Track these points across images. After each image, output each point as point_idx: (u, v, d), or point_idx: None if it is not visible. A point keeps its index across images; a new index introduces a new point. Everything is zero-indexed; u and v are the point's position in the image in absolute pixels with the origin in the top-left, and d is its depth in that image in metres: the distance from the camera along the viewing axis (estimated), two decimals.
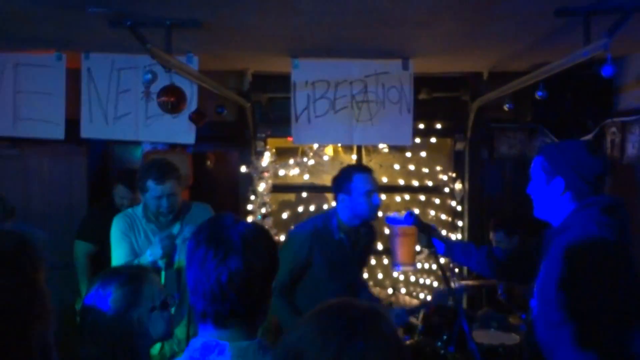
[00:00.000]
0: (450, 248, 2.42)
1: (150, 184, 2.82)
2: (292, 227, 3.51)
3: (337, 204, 2.90)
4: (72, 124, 3.70)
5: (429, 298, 4.74)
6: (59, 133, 3.70)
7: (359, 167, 2.97)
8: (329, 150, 4.81)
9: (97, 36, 3.22)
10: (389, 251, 4.60)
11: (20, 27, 3.09)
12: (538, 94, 3.54)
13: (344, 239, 2.92)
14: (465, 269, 4.58)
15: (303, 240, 2.88)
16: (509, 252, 2.44)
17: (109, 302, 1.66)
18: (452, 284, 2.54)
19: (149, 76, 2.83)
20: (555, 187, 1.99)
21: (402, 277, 4.96)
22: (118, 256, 2.91)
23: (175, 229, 2.92)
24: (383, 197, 4.37)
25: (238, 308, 1.31)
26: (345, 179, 2.85)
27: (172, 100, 2.88)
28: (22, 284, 0.75)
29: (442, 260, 2.49)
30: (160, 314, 1.75)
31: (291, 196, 4.96)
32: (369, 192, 2.80)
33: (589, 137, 4.29)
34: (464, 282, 3.93)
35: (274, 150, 4.61)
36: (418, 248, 2.46)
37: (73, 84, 3.70)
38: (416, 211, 2.70)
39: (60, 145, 4.21)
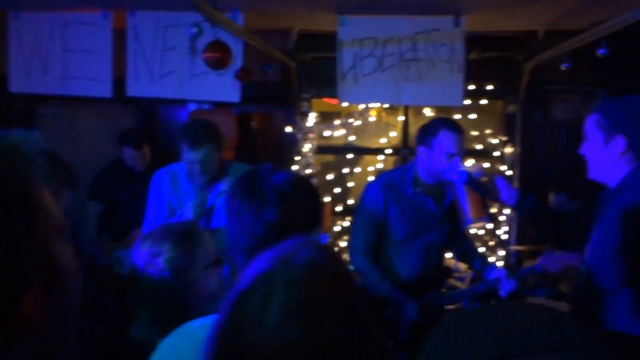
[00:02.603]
0: (522, 202, 2.27)
1: (184, 147, 2.77)
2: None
3: (417, 156, 2.71)
4: (119, 83, 3.73)
5: None
6: (106, 91, 3.73)
7: (449, 124, 2.62)
8: (373, 112, 4.71)
9: None
10: None
11: None
12: (599, 52, 3.34)
13: (420, 193, 2.71)
14: (514, 235, 4.47)
15: (377, 192, 2.72)
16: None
17: (163, 264, 1.61)
18: (508, 249, 2.44)
19: (195, 30, 2.79)
20: (614, 146, 1.86)
21: None
22: (153, 212, 2.93)
23: (216, 189, 2.90)
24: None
25: None
26: (430, 132, 2.61)
27: (217, 55, 2.84)
28: (6, 201, 0.61)
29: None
30: (213, 271, 1.70)
31: (336, 158, 4.91)
32: (451, 154, 2.56)
33: None
34: (514, 248, 3.83)
35: (316, 114, 4.54)
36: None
37: (119, 44, 3.71)
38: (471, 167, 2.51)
39: (108, 105, 4.27)
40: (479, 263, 2.93)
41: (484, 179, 2.37)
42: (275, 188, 1.26)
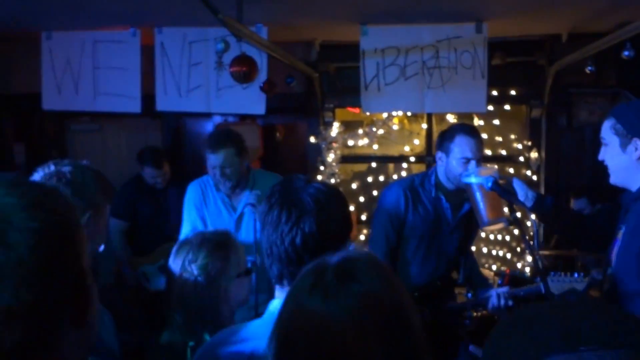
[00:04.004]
0: (540, 203, 2.24)
1: (207, 152, 2.84)
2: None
3: (436, 161, 2.72)
4: (147, 98, 3.83)
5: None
6: (135, 106, 3.82)
7: (466, 129, 2.63)
8: (396, 120, 4.73)
9: (170, 10, 3.29)
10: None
11: (98, 4, 3.19)
12: (624, 54, 3.32)
13: (442, 199, 2.72)
14: (541, 240, 4.44)
15: (399, 193, 2.72)
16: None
17: (198, 270, 1.68)
18: (535, 254, 2.42)
19: (222, 45, 2.86)
20: (632, 150, 1.86)
21: (473, 248, 4.84)
22: (185, 224, 3.01)
23: (244, 198, 2.92)
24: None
25: None
26: (447, 137, 2.62)
27: (244, 69, 2.90)
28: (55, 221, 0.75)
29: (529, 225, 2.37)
30: (244, 280, 1.77)
31: (360, 167, 4.94)
32: (466, 159, 2.55)
33: None
34: (541, 253, 3.81)
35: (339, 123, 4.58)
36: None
37: (147, 60, 3.81)
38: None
39: (136, 119, 4.37)
40: (480, 282, 2.99)
41: (501, 181, 2.37)
42: (313, 199, 1.29)
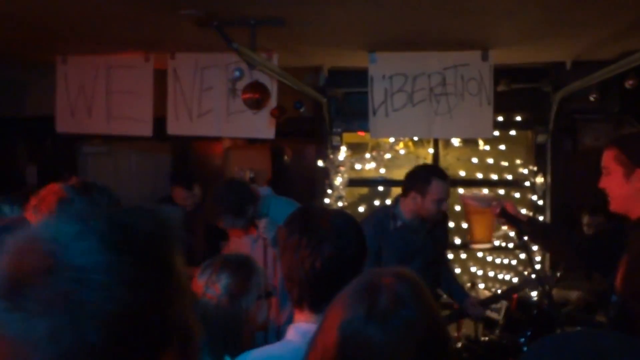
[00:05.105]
0: (530, 223, 2.36)
1: None
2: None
3: (405, 198, 2.96)
4: (158, 121, 3.89)
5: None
6: (147, 130, 3.88)
7: (439, 173, 3.00)
8: (401, 145, 4.78)
9: (184, 37, 3.37)
10: (466, 246, 4.55)
11: (114, 30, 3.28)
12: (628, 83, 3.38)
13: (401, 227, 2.98)
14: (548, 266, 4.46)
15: (369, 232, 2.90)
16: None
17: (221, 290, 1.72)
18: (542, 274, 2.52)
19: (238, 74, 2.93)
20: (635, 180, 1.91)
21: (480, 272, 4.87)
22: None
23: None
24: (461, 191, 4.35)
25: (332, 293, 1.34)
26: (422, 179, 2.90)
27: (256, 96, 2.97)
28: (160, 272, 0.65)
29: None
30: (264, 302, 1.81)
31: (367, 190, 4.97)
32: (442, 200, 2.88)
33: None
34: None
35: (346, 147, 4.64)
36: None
37: (158, 83, 3.88)
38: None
39: (146, 142, 4.42)
40: (460, 294, 3.27)
41: (494, 203, 2.47)
42: (332, 225, 1.36)
